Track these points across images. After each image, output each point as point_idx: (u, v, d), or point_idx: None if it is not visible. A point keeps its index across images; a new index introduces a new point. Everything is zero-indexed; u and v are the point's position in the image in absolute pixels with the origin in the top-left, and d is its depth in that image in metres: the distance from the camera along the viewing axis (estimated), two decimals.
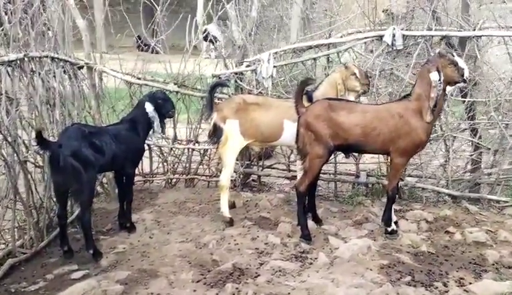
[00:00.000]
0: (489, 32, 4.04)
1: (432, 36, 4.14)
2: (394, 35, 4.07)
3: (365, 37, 4.23)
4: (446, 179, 4.41)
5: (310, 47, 4.36)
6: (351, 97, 3.87)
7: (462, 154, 4.58)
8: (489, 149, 4.32)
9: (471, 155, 4.42)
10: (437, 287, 2.97)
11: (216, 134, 3.90)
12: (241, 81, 4.52)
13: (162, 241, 3.80)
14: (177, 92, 4.78)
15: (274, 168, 5.03)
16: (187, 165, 5.13)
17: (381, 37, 4.15)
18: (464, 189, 4.42)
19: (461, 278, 3.10)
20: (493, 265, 3.29)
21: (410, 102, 3.51)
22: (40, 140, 3.19)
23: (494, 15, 4.07)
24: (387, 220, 3.73)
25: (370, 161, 4.78)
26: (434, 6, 4.07)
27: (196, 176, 5.16)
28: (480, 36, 4.05)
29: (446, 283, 3.03)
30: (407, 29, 4.16)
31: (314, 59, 4.34)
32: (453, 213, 4.15)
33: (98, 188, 4.86)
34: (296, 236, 3.74)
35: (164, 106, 3.94)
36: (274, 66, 4.25)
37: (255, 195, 4.77)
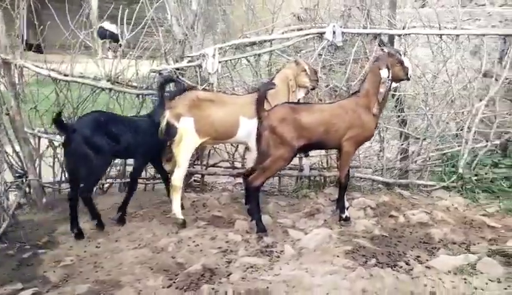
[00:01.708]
0: (417, 31, 4.42)
1: (368, 34, 4.41)
2: (334, 32, 4.24)
3: (307, 34, 4.36)
4: (380, 167, 4.72)
5: (254, 43, 4.37)
6: (301, 93, 3.96)
7: (394, 144, 4.94)
8: (418, 138, 4.71)
9: (402, 145, 4.79)
10: (401, 267, 3.16)
11: (169, 132, 3.70)
12: (183, 77, 4.35)
13: (112, 250, 3.52)
14: (110, 90, 4.46)
15: (218, 167, 4.93)
16: (121, 168, 4.80)
17: (322, 34, 4.31)
18: (396, 176, 4.76)
19: (418, 256, 3.33)
20: (440, 242, 3.59)
21: (359, 98, 3.76)
22: (59, 122, 3.47)
23: (419, 14, 4.46)
24: (342, 208, 3.88)
25: (311, 154, 4.90)
26: (368, 6, 4.33)
27: None
28: (409, 34, 4.41)
29: (408, 261, 3.23)
30: (344, 27, 4.36)
31: (258, 55, 4.35)
32: (390, 199, 4.45)
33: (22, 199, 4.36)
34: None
35: None
36: (219, 62, 4.17)
37: (199, 195, 4.64)
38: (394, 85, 3.79)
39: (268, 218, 3.96)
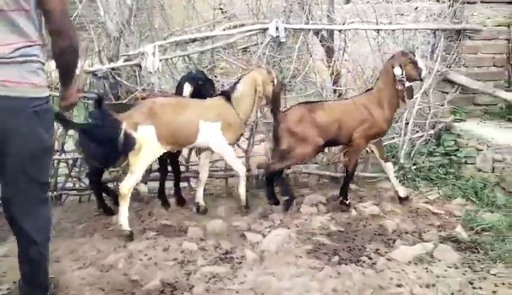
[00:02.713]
0: (355, 26, 4.48)
1: (310, 29, 4.39)
2: (277, 28, 4.16)
3: (251, 30, 4.23)
4: (327, 162, 4.74)
5: (195, 40, 4.15)
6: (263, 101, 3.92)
7: None
8: None
9: None
10: (364, 261, 3.16)
11: (127, 143, 3.38)
12: (119, 77, 4.03)
13: (54, 272, 3.14)
14: None
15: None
16: (52, 179, 4.36)
17: (265, 30, 4.21)
18: (342, 170, 4.81)
19: (377, 249, 3.36)
20: (394, 232, 3.66)
21: (372, 95, 3.93)
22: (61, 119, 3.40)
23: (357, 9, 4.53)
24: (345, 195, 4.09)
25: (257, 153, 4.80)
26: (309, 1, 4.31)
27: (64, 192, 4.43)
28: (349, 29, 4.46)
29: (369, 255, 3.25)
30: (287, 23, 4.30)
31: (202, 52, 4.15)
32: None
33: None
34: (213, 238, 3.53)
35: (205, 87, 3.86)
36: (160, 60, 3.91)
37: (141, 203, 4.34)
38: (407, 84, 3.85)
39: (221, 222, 3.79)
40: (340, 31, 4.47)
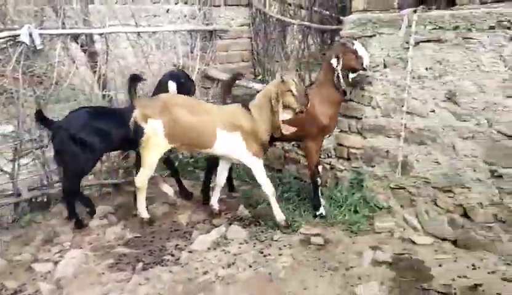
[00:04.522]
0: (116, 29, 4.40)
1: (69, 34, 4.10)
2: (31, 35, 3.75)
3: None
4: (107, 170, 4.59)
5: None
6: (285, 115, 3.53)
7: None
8: None
9: None
10: (168, 260, 3.25)
11: (136, 132, 3.54)
12: None
13: None
14: None
15: None
16: None
17: (16, 37, 3.73)
18: (123, 177, 4.72)
19: (177, 245, 3.49)
20: (188, 225, 3.86)
21: (313, 89, 3.68)
22: (41, 119, 3.67)
23: (116, 13, 4.45)
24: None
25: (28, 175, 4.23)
26: (61, 4, 4.01)
27: None
28: (110, 33, 4.35)
29: (171, 253, 3.35)
30: (41, 28, 3.91)
31: None
32: (125, 199, 4.42)
33: None
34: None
35: (187, 85, 4.01)
36: None
37: None
38: (351, 75, 3.62)
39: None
40: (100, 34, 4.32)
